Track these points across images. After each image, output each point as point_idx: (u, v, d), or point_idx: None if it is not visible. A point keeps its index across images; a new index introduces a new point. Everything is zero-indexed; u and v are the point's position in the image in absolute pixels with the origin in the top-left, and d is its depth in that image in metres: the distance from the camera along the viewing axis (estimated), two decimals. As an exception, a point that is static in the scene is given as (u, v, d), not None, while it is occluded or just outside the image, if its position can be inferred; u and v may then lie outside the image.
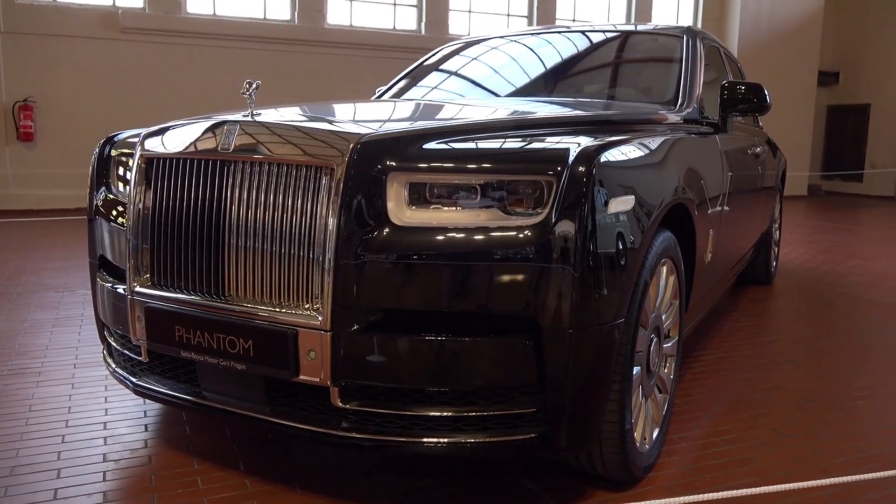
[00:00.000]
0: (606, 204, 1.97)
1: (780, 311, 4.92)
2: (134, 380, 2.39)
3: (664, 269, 2.44)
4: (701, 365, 3.62)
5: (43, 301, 4.61)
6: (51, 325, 4.07)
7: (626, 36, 4.00)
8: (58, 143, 9.76)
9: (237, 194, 2.06)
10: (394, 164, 1.95)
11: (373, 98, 4.04)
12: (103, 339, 2.70)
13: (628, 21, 13.82)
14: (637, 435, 2.30)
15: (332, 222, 1.91)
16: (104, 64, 9.95)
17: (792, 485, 2.37)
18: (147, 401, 2.90)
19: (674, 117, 3.11)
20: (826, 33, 15.68)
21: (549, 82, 3.72)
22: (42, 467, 2.39)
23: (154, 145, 2.27)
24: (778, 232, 6.00)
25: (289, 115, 2.28)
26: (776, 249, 5.97)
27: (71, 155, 9.64)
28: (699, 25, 14.24)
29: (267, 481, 2.33)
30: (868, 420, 2.98)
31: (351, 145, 1.94)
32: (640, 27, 4.11)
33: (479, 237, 1.90)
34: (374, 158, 1.94)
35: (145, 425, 2.73)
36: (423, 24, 11.97)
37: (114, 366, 2.53)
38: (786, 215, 10.36)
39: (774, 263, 5.87)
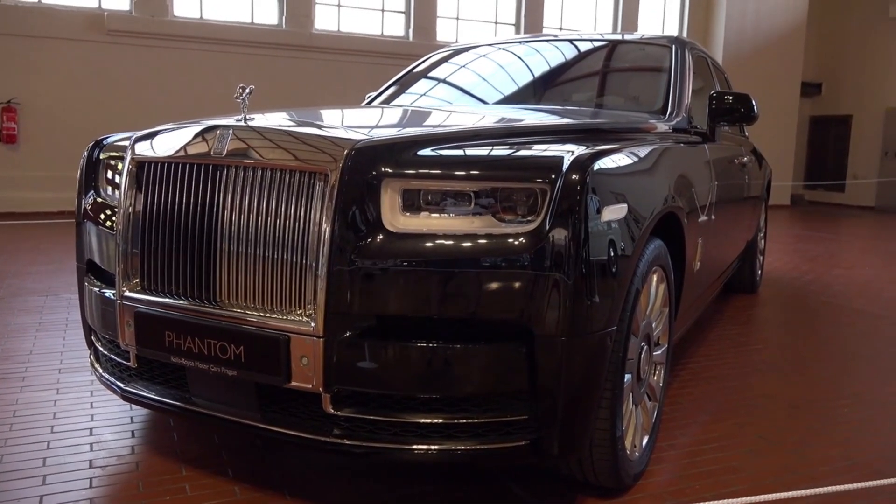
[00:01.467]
0: (599, 212, 1.98)
1: (765, 320, 4.95)
2: (122, 385, 2.36)
3: (655, 277, 2.45)
4: (688, 373, 3.64)
5: (27, 305, 4.57)
6: (35, 329, 4.03)
7: (614, 45, 4.02)
8: (42, 145, 9.68)
9: (229, 199, 2.05)
10: (388, 170, 1.94)
11: (363, 104, 4.04)
12: (90, 344, 2.68)
13: (615, 30, 13.90)
14: (627, 442, 2.30)
15: (325, 228, 1.90)
16: (89, 66, 9.88)
17: (780, 494, 2.39)
18: (133, 406, 2.88)
19: (663, 126, 3.13)
20: (809, 44, 15.85)
21: (539, 90, 3.73)
22: (27, 474, 2.36)
23: (145, 149, 2.26)
24: (763, 241, 6.04)
25: (282, 120, 2.27)
26: (761, 258, 6.01)
27: (55, 158, 9.56)
28: (684, 35, 14.35)
29: (256, 488, 2.31)
30: (854, 428, 3.00)
31: (345, 151, 1.94)
32: (629, 36, 4.14)
33: (472, 244, 1.90)
34: (368, 164, 1.94)
35: (132, 431, 2.71)
36: (410, 31, 11.98)
37: (101, 371, 2.51)
38: (770, 225, 10.43)
39: (759, 272, 5.91)
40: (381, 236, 1.91)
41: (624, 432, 2.25)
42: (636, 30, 13.92)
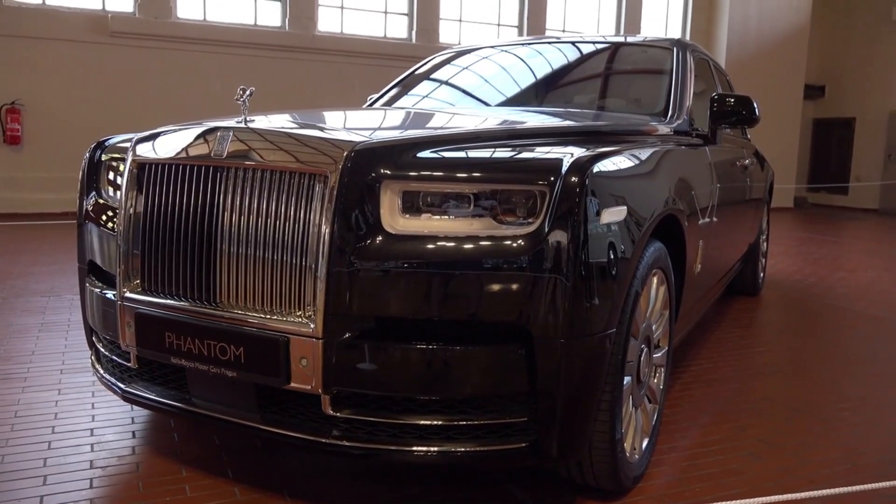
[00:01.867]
0: (599, 214, 1.98)
1: (767, 323, 4.94)
2: (123, 386, 2.37)
3: (655, 279, 2.45)
4: (689, 375, 3.64)
5: (29, 305, 4.58)
6: (37, 329, 4.04)
7: (616, 47, 4.03)
8: (45, 146, 9.71)
9: (230, 200, 2.05)
10: (388, 172, 1.95)
11: (365, 106, 4.04)
12: (91, 345, 2.68)
13: (618, 32, 13.90)
14: (627, 445, 2.30)
15: (325, 229, 1.90)
16: (93, 68, 9.91)
17: (780, 496, 2.39)
18: (135, 407, 2.89)
19: (664, 129, 3.13)
20: (812, 47, 15.83)
21: (540, 92, 3.74)
22: (28, 474, 2.37)
23: (146, 150, 2.26)
24: (765, 243, 6.04)
25: (282, 121, 2.28)
26: (763, 261, 6.00)
27: (58, 159, 9.59)
28: (687, 38, 14.34)
29: (255, 489, 2.32)
30: (855, 431, 3.00)
31: (345, 153, 1.94)
32: (631, 39, 4.14)
33: (471, 246, 1.90)
34: (367, 166, 1.94)
35: (133, 432, 2.71)
36: (413, 33, 12.00)
37: (102, 372, 2.51)
38: (772, 227, 10.42)
39: (762, 275, 5.91)
40: (380, 238, 1.91)
41: (623, 435, 2.25)
42: (639, 32, 13.93)
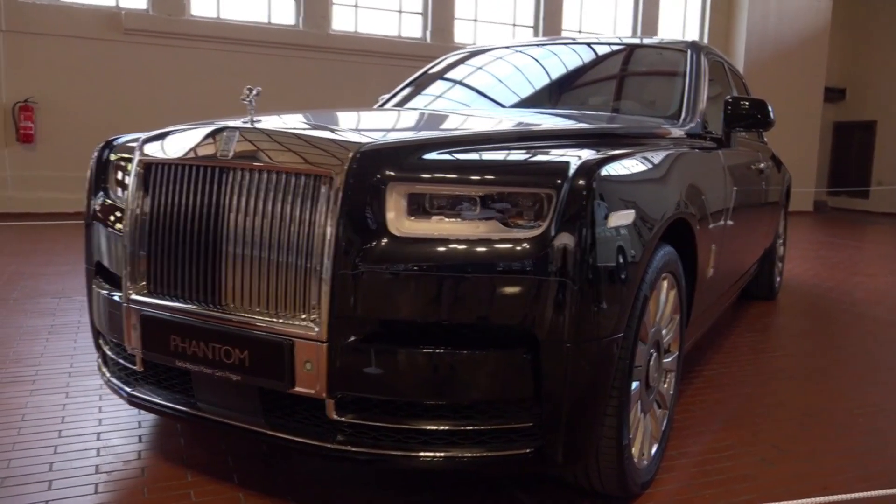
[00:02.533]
0: (606, 218, 1.95)
1: (783, 327, 4.89)
2: (128, 389, 2.36)
3: (665, 283, 2.42)
4: (702, 380, 3.59)
5: (39, 307, 4.59)
6: (46, 332, 4.05)
7: (631, 49, 3.99)
8: (58, 145, 9.74)
9: (235, 202, 2.04)
10: (394, 174, 1.93)
11: (376, 106, 4.03)
12: (98, 348, 2.67)
13: (634, 34, 13.83)
14: (635, 450, 2.27)
15: (330, 231, 1.89)
16: (106, 65, 9.95)
17: (792, 502, 2.35)
18: (141, 411, 2.87)
19: (677, 132, 3.09)
20: (833, 50, 15.68)
21: (554, 94, 3.71)
22: (34, 478, 2.36)
23: (153, 150, 2.25)
24: (782, 248, 5.97)
25: (289, 122, 2.26)
26: (780, 265, 5.94)
27: (71, 158, 9.62)
28: (705, 40, 14.25)
29: (261, 494, 2.30)
30: (869, 438, 2.94)
31: (351, 154, 1.92)
32: (646, 41, 4.10)
33: (478, 249, 1.87)
34: (373, 168, 1.92)
35: (139, 436, 2.70)
36: (428, 32, 11.99)
37: (108, 375, 2.51)
38: (791, 231, 10.33)
39: (778, 279, 5.84)
40: (385, 240, 1.89)
41: (631, 440, 2.22)
42: (656, 34, 13.85)
